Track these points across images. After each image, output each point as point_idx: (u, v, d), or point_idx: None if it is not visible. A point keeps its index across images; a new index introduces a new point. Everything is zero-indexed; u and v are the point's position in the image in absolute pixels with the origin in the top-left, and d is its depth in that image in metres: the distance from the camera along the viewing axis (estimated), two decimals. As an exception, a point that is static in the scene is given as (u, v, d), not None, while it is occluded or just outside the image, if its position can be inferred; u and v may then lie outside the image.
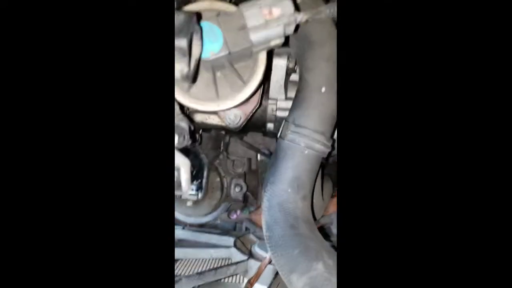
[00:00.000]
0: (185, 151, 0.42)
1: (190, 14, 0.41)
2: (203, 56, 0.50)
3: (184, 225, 1.32)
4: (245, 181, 1.34)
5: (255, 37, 0.50)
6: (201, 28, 0.45)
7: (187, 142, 0.47)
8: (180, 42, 0.37)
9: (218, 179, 1.31)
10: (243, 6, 0.50)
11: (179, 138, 0.44)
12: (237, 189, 1.31)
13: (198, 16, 0.46)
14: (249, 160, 1.37)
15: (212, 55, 0.50)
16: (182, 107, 0.55)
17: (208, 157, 1.22)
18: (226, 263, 0.94)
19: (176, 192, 0.41)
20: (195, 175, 1.23)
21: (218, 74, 0.57)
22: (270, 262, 0.88)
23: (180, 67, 0.39)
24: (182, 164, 0.39)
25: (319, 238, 0.65)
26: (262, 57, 0.58)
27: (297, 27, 0.54)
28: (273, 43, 0.52)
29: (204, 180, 1.23)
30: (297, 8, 0.52)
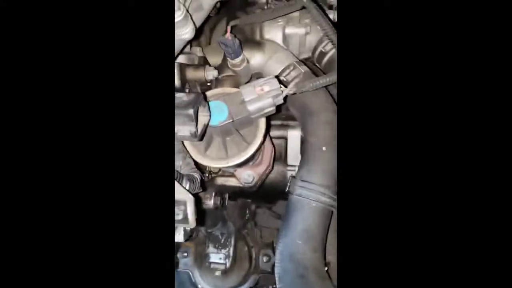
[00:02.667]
0: (195, 196, 0.52)
1: (198, 94, 0.59)
2: (213, 124, 0.66)
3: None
4: (273, 253, 1.34)
5: (251, 107, 0.66)
6: (207, 103, 0.62)
7: (197, 189, 0.58)
8: (189, 111, 0.53)
9: (246, 249, 1.33)
10: (242, 87, 0.68)
11: (190, 184, 0.56)
12: (265, 259, 1.31)
13: (204, 95, 0.64)
14: (278, 230, 1.40)
15: (220, 123, 0.66)
16: (197, 164, 0.69)
17: (236, 225, 1.29)
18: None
19: (184, 225, 0.51)
20: (223, 243, 1.28)
21: (228, 138, 0.72)
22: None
23: (189, 128, 0.54)
24: (187, 199, 0.50)
25: (328, 287, 0.66)
26: (262, 123, 0.73)
27: (285, 99, 0.69)
28: (267, 110, 0.67)
29: (231, 249, 1.27)
30: (283, 84, 0.68)
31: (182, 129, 0.54)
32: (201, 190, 0.59)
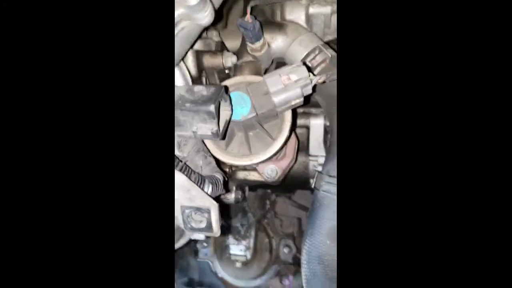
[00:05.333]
0: (217, 199, 0.48)
1: (220, 87, 0.52)
2: (236, 118, 0.60)
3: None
4: (294, 243, 1.32)
5: (276, 99, 0.59)
6: (229, 97, 0.56)
7: (220, 191, 0.53)
8: (210, 108, 0.47)
9: (267, 239, 1.31)
10: (266, 76, 0.61)
11: (213, 186, 0.51)
12: (286, 250, 1.29)
13: (226, 88, 0.58)
14: (299, 220, 1.36)
15: (243, 118, 0.60)
16: (218, 162, 0.64)
17: (255, 216, 1.26)
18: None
19: (208, 234, 0.47)
20: (243, 235, 1.25)
21: (251, 133, 0.66)
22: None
23: (211, 126, 0.48)
24: (211, 206, 0.46)
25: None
26: (288, 116, 0.66)
27: (314, 88, 0.61)
28: (294, 102, 0.60)
29: (252, 240, 1.24)
30: (312, 72, 0.61)
31: (203, 127, 0.48)
32: (224, 192, 0.55)
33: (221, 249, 1.29)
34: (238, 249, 1.23)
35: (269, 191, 1.30)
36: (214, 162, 0.58)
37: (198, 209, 0.45)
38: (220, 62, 0.79)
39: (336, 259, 0.67)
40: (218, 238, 1.27)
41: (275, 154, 0.66)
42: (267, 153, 0.65)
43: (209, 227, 0.46)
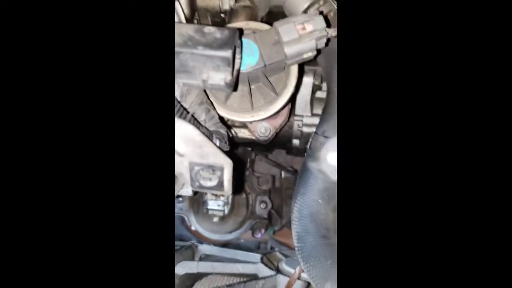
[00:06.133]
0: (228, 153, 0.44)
1: (234, 29, 0.45)
2: (241, 68, 0.54)
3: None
4: (270, 199, 1.35)
5: (289, 50, 0.54)
6: (241, 43, 0.49)
7: (226, 148, 0.49)
8: (226, 53, 0.41)
9: (244, 195, 1.32)
10: (278, 23, 0.55)
11: (220, 142, 0.47)
12: (262, 206, 1.32)
13: (241, 32, 0.51)
14: (273, 177, 1.39)
15: (249, 68, 0.54)
16: (220, 117, 0.59)
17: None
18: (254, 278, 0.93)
19: (219, 192, 0.44)
20: (222, 191, 1.25)
21: (253, 86, 0.61)
22: (299, 278, 0.86)
23: (224, 76, 0.43)
24: (225, 164, 0.42)
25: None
26: (294, 71, 0.61)
27: (327, 41, 0.57)
28: (306, 56, 0.56)
29: (230, 196, 1.24)
30: (328, 24, 0.56)
31: (215, 76, 0.42)
32: (229, 148, 0.51)
33: (198, 205, 1.28)
34: (216, 204, 1.23)
35: (249, 149, 1.28)
36: (217, 116, 0.53)
37: (210, 167, 0.41)
38: (217, 3, 0.70)
39: (328, 218, 0.69)
40: (196, 195, 1.26)
41: (278, 112, 0.63)
42: (270, 109, 0.61)
43: (220, 185, 0.43)
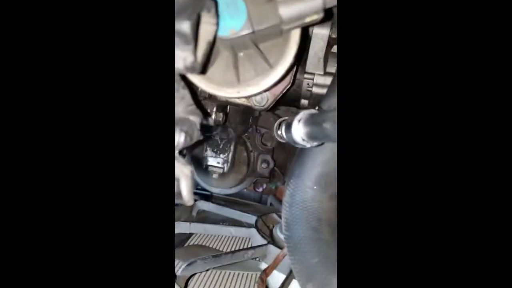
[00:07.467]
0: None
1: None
2: (222, 34, 0.41)
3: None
4: (272, 157, 1.29)
5: (286, 11, 0.40)
6: (216, 3, 0.36)
7: (196, 138, 0.40)
8: (181, 26, 0.29)
9: (245, 153, 1.26)
10: (274, -29, 0.39)
11: (186, 137, 0.37)
12: (264, 165, 1.27)
13: (211, -14, 0.37)
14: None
15: (232, 34, 0.41)
16: (194, 93, 0.48)
17: (236, 131, 1.16)
18: (245, 243, 0.92)
19: (177, 201, 0.36)
20: (222, 148, 1.19)
21: (241, 54, 0.48)
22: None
23: (183, 56, 0.31)
24: (181, 174, 0.34)
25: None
26: (295, 36, 0.47)
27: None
28: (309, 19, 0.41)
29: (230, 154, 1.19)
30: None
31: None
32: (201, 138, 0.41)
33: (198, 159, 1.25)
34: (215, 161, 1.19)
35: (252, 105, 1.17)
36: (188, 96, 0.41)
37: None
38: None
39: (321, 207, 0.62)
40: (196, 150, 1.21)
41: (271, 87, 0.51)
42: (261, 84, 0.49)
43: (178, 195, 0.35)
